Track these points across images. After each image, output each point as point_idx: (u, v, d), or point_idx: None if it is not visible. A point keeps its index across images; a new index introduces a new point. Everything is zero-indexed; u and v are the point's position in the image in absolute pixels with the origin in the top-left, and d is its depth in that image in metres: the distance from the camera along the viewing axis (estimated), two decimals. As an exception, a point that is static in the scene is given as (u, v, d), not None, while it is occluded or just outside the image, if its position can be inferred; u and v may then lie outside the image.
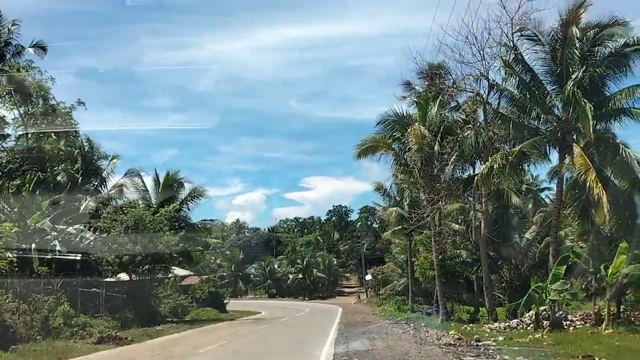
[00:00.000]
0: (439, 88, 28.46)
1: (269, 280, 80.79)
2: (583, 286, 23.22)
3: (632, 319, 21.26)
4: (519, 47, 24.68)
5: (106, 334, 20.24)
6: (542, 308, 21.54)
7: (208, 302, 44.55)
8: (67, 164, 33.65)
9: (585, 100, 21.89)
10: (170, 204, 34.30)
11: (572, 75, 22.98)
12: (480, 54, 24.62)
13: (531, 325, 21.41)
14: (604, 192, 20.56)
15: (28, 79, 33.88)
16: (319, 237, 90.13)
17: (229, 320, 35.99)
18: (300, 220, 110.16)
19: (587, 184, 21.19)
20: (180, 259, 34.53)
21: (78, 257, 24.73)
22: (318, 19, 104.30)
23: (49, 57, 33.98)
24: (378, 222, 75.48)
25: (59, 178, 32.17)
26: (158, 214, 31.66)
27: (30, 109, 35.18)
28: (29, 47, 31.74)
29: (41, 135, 34.16)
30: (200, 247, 41.44)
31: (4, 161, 32.34)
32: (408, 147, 28.86)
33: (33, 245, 22.60)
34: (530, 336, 18.77)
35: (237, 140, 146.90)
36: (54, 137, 34.51)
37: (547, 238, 28.70)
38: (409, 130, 28.04)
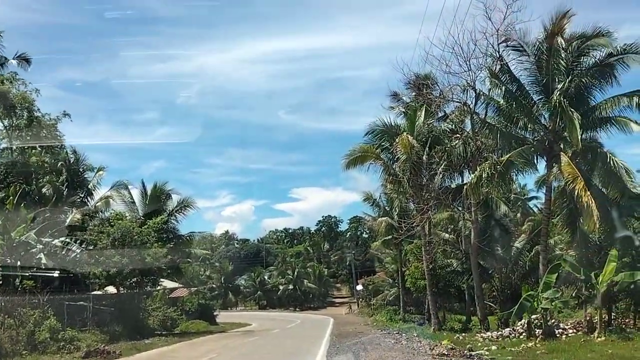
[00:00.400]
0: (426, 98, 28.56)
1: (259, 292, 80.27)
2: (574, 294, 23.28)
3: (624, 326, 21.31)
4: (504, 58, 24.86)
5: (94, 348, 19.95)
6: (534, 317, 21.50)
7: (198, 315, 44.13)
8: (53, 176, 33.24)
9: (572, 110, 22.04)
10: (158, 216, 33.95)
11: (558, 85, 23.16)
12: (466, 64, 24.82)
13: (523, 334, 21.37)
14: (592, 200, 20.65)
15: (12, 91, 33.54)
16: (309, 248, 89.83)
17: (219, 333, 35.59)
18: (290, 231, 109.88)
19: (576, 193, 21.28)
20: (169, 271, 34.13)
21: (58, 274, 24.34)
22: (304, 31, 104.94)
23: (34, 69, 33.70)
24: (368, 232, 75.42)
25: (44, 190, 31.78)
26: (145, 226, 31.30)
27: (14, 121, 34.81)
28: (13, 58, 31.43)
29: (26, 147, 33.77)
30: (189, 259, 41.05)
31: (-13, 173, 31.87)
32: (397, 157, 28.92)
33: (18, 263, 22.26)
34: (523, 345, 18.72)
35: (225, 152, 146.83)
36: (39, 149, 34.11)
37: (536, 247, 28.73)
38: (397, 140, 28.09)
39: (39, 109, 35.29)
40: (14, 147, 33.53)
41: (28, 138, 33.71)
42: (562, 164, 22.45)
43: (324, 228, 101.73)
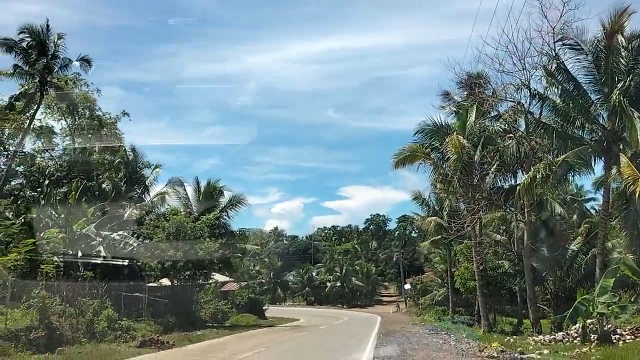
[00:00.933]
0: (478, 97, 28.09)
1: (307, 288, 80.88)
2: (633, 299, 22.44)
3: (685, 333, 20.37)
4: (560, 57, 24.18)
5: (148, 338, 20.69)
6: (589, 321, 20.84)
7: (247, 308, 44.96)
8: (112, 172, 34.65)
9: (633, 110, 21.24)
10: (211, 212, 34.82)
11: (618, 84, 22.35)
12: (521, 63, 24.18)
13: (577, 338, 20.75)
14: (653, 202, 19.87)
15: (75, 91, 35.15)
16: (357, 246, 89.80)
17: (267, 327, 36.17)
18: (338, 228, 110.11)
19: (637, 195, 20.50)
20: (220, 265, 34.96)
21: (123, 263, 25.40)
22: (351, 31, 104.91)
23: (95, 70, 35.03)
24: (417, 231, 74.69)
25: (104, 186, 33.14)
26: (199, 222, 32.18)
27: (77, 120, 36.49)
28: (76, 60, 32.85)
29: (88, 144, 35.35)
30: (239, 254, 41.86)
31: (51, 170, 33.55)
32: (447, 156, 28.57)
33: (79, 254, 23.35)
34: (577, 350, 18.19)
35: (275, 150, 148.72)
36: (100, 147, 35.59)
37: (593, 250, 27.83)
38: (447, 139, 27.76)
39: (100, 108, 36.95)
40: (77, 145, 35.11)
41: (89, 136, 35.24)
42: (622, 165, 21.67)
43: (372, 226, 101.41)
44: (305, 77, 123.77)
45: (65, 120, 38.16)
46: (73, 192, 27.74)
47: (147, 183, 37.09)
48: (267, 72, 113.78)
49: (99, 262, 24.05)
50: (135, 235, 28.14)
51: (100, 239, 25.26)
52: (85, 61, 33.20)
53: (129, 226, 29.24)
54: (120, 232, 27.08)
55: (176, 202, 37.51)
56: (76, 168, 33.24)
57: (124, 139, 38.17)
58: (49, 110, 36.79)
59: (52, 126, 37.71)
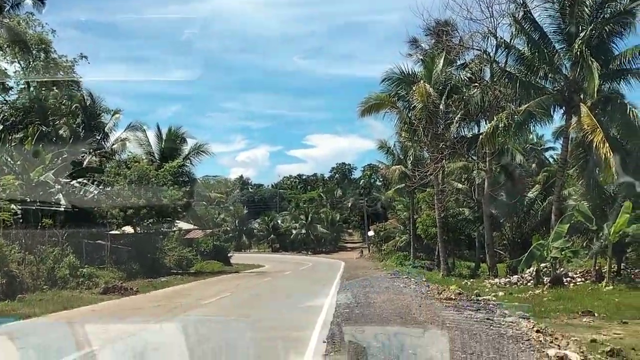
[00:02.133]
0: (445, 45, 27.96)
1: (272, 235, 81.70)
2: (585, 244, 23.40)
3: (633, 276, 21.51)
4: (528, 4, 24.16)
5: (112, 285, 20.61)
6: (542, 265, 21.77)
7: (212, 255, 45.21)
8: (69, 118, 33.52)
9: (593, 59, 21.50)
10: (174, 159, 34.30)
11: (581, 34, 22.51)
12: (489, 10, 24.14)
13: (531, 281, 21.69)
14: (611, 152, 20.42)
15: (29, 32, 33.36)
16: (322, 194, 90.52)
17: (232, 273, 36.54)
18: (304, 177, 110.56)
19: (594, 144, 21.03)
20: (185, 213, 34.77)
21: (83, 210, 24.94)
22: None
23: (49, 10, 33.29)
24: (381, 180, 75.62)
25: (61, 132, 32.12)
26: (162, 170, 31.70)
27: (31, 62, 34.80)
28: (28, -1, 31.09)
29: (43, 89, 33.88)
30: (204, 202, 41.69)
31: (6, 114, 32.20)
32: (413, 105, 28.61)
33: (37, 202, 22.77)
34: (530, 292, 19.02)
35: (240, 96, 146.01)
36: (56, 91, 34.23)
37: (550, 197, 28.70)
38: (414, 88, 27.72)
39: (55, 51, 35.23)
40: (32, 89, 33.65)
41: (45, 80, 33.78)
42: (582, 115, 22.10)
43: (337, 175, 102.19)
44: (275, 20, 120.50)
45: (19, 63, 36.37)
46: (29, 138, 26.74)
47: (106, 129, 36.13)
48: (235, 14, 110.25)
49: (59, 209, 23.57)
50: (96, 182, 27.58)
51: (59, 187, 24.65)
52: (39, 0, 31.42)
53: (89, 173, 28.59)
54: (79, 180, 26.47)
55: (137, 149, 36.86)
56: (32, 113, 31.97)
57: (82, 84, 36.79)
58: (0, 52, 34.96)
59: (5, 69, 35.95)
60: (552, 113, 25.17)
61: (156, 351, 9.15)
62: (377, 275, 29.15)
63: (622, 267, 22.63)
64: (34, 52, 34.75)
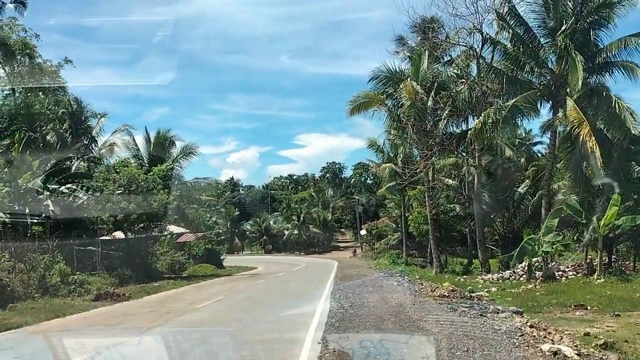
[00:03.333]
0: (432, 42, 28.06)
1: (265, 236, 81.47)
2: (575, 238, 23.56)
3: (623, 268, 21.68)
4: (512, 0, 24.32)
5: (104, 291, 20.40)
6: (534, 259, 21.90)
7: (205, 259, 45.01)
8: (56, 123, 33.22)
9: (576, 52, 21.68)
10: (162, 162, 34.07)
11: (565, 28, 22.70)
12: (474, 6, 24.31)
13: (523, 276, 21.81)
14: (597, 144, 20.59)
15: (12, 37, 33.01)
16: (313, 194, 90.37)
17: (225, 276, 36.36)
18: (295, 177, 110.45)
19: (581, 137, 21.19)
20: (176, 216, 34.58)
21: (73, 217, 24.71)
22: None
23: (34, 15, 33.03)
24: (372, 178, 75.67)
25: (48, 138, 31.83)
26: (151, 173, 31.48)
27: (16, 68, 34.44)
28: (10, 2, 30.77)
29: (29, 94, 33.56)
30: (194, 205, 41.47)
31: (-9, 121, 31.83)
32: (401, 103, 28.68)
33: (26, 209, 22.54)
34: (522, 287, 19.12)
35: (229, 98, 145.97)
36: (42, 96, 33.92)
37: (539, 191, 28.90)
38: (401, 86, 27.78)
39: (40, 55, 34.87)
40: (17, 94, 33.30)
41: (30, 85, 33.45)
42: (568, 109, 22.27)
43: (328, 174, 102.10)
44: (260, 20, 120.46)
45: (3, 69, 36.01)
46: (16, 145, 26.42)
47: (93, 134, 35.84)
48: (220, 15, 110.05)
49: (48, 217, 23.34)
50: (85, 188, 27.30)
51: (48, 193, 24.39)
52: (20, 3, 31.12)
53: (77, 179, 28.31)
54: (68, 186, 26.17)
55: (126, 152, 36.56)
56: (18, 119, 31.64)
57: (67, 88, 36.47)
58: (-17, 57, 34.57)
59: (-11, 75, 35.57)
60: (539, 107, 25.38)
61: (151, 357, 9.09)
62: (370, 274, 29.14)
63: (612, 259, 22.81)
64: (18, 57, 34.43)
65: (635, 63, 22.68)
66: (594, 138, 20.72)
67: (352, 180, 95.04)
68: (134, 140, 37.00)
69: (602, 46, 23.64)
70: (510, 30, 24.36)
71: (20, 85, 33.14)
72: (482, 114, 24.29)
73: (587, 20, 23.00)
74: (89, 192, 27.18)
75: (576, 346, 8.39)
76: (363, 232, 63.60)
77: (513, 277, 22.41)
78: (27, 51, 33.62)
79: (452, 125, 29.78)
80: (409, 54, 32.18)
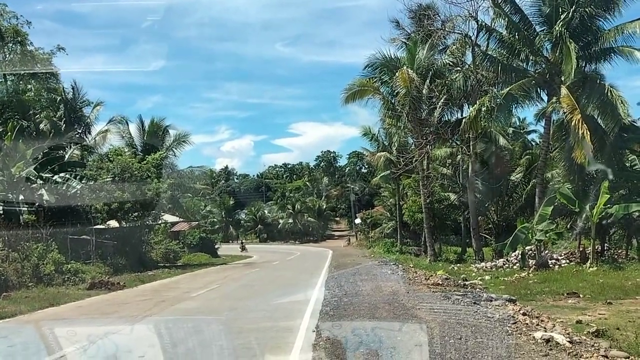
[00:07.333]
0: (427, 30, 27.94)
1: (259, 225, 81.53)
2: (569, 226, 23.69)
3: (616, 256, 21.83)
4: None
5: (98, 280, 20.38)
6: (528, 248, 22.02)
7: (199, 248, 44.99)
8: (50, 111, 32.97)
9: (571, 40, 21.66)
10: (156, 151, 33.94)
11: (562, 16, 22.62)
12: (469, -8, 24.14)
13: (517, 264, 21.95)
14: (588, 132, 20.61)
15: (3, 24, 32.65)
16: (308, 183, 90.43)
17: (220, 265, 36.42)
18: (289, 166, 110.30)
19: (572, 124, 21.22)
20: (170, 205, 34.51)
21: (67, 205, 24.62)
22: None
23: (26, 1, 32.62)
24: (367, 167, 75.68)
25: (41, 126, 31.59)
26: (145, 162, 31.35)
27: (7, 55, 34.10)
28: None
29: (21, 82, 33.27)
30: (189, 194, 41.38)
31: (-17, 110, 31.55)
32: (396, 91, 28.58)
33: (20, 197, 22.41)
34: (516, 275, 19.24)
35: (223, 86, 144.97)
36: (35, 84, 33.63)
37: (533, 180, 28.98)
38: (397, 74, 27.67)
39: (32, 43, 34.53)
40: (9, 82, 32.99)
41: (23, 73, 33.13)
42: (562, 96, 22.29)
43: (323, 163, 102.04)
44: (254, 7, 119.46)
45: (-6, 56, 35.66)
46: (9, 133, 26.19)
47: (88, 122, 35.62)
48: (214, 1, 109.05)
49: (41, 205, 23.23)
50: (78, 177, 27.17)
51: (42, 182, 24.26)
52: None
53: (71, 168, 28.16)
54: (62, 174, 26.04)
55: (119, 141, 36.39)
56: (10, 107, 31.38)
57: (60, 76, 36.15)
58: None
59: (-20, 63, 35.18)
60: (533, 95, 25.34)
61: (144, 345, 9.09)
62: (364, 263, 29.25)
63: (605, 247, 22.96)
64: (9, 44, 34.06)
65: (633, 47, 22.67)
66: (585, 125, 20.73)
67: (347, 169, 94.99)
68: (128, 129, 36.89)
69: (598, 34, 23.57)
70: (506, 18, 24.28)
71: (12, 72, 32.81)
72: (477, 102, 24.27)
73: (586, 9, 22.90)
74: (83, 181, 27.06)
75: (568, 334, 8.45)
76: (358, 220, 63.72)
77: (506, 265, 22.53)
78: (19, 38, 33.28)
79: (447, 114, 29.77)
80: (404, 41, 32.02)
